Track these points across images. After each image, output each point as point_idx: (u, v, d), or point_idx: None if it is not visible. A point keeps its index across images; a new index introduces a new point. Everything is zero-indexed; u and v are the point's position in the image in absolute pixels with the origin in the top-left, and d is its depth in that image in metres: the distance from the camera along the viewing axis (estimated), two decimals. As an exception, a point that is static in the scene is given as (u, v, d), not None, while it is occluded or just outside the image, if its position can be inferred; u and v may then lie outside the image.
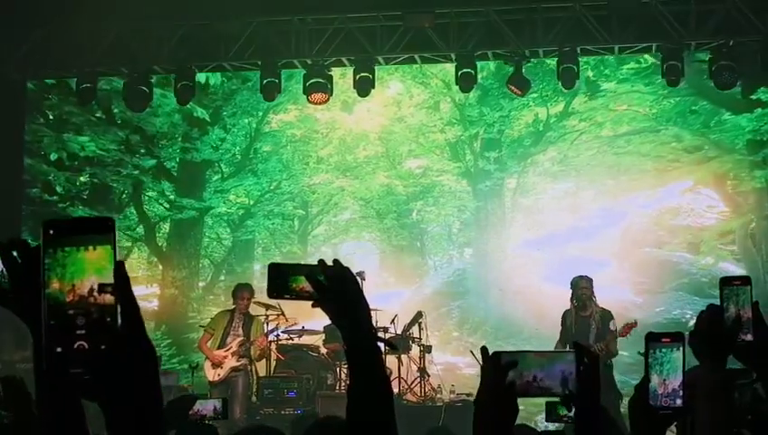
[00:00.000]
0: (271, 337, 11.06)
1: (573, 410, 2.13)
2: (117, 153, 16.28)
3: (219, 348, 10.37)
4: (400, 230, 16.53)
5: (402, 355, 11.07)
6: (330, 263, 2.10)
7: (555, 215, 15.45)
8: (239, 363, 10.31)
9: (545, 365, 2.11)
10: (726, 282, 2.52)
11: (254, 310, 10.62)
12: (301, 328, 11.28)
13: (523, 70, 11.69)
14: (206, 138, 16.46)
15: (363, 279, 10.24)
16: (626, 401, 6.65)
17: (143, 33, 11.58)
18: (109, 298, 1.25)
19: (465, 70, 11.33)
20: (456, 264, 16.39)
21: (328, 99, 11.83)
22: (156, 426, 1.32)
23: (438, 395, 11.06)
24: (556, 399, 2.18)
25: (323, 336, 11.30)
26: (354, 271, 2.12)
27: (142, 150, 16.33)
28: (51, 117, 15.70)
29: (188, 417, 4.68)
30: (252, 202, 16.86)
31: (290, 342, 11.38)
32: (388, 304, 12.09)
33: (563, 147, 15.86)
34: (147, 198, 16.87)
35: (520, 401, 2.18)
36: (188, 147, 16.45)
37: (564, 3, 11.27)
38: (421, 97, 16.40)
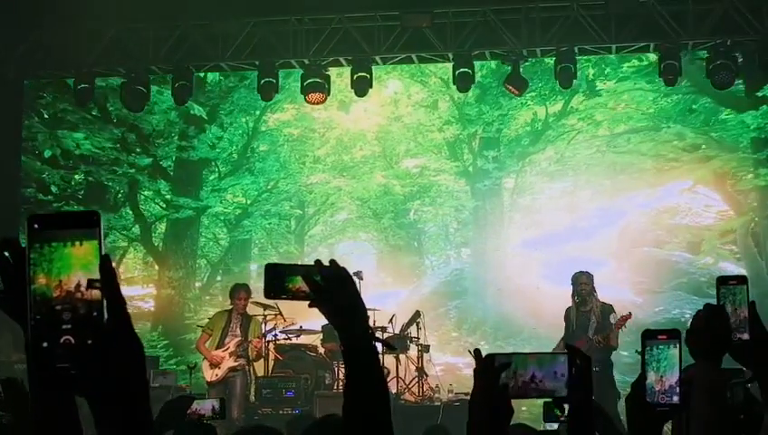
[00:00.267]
0: (269, 337, 11.22)
1: (567, 410, 2.17)
2: (112, 151, 16.32)
3: (217, 348, 10.52)
4: (398, 230, 16.67)
5: (400, 355, 11.22)
6: (326, 263, 2.12)
7: (554, 214, 15.61)
8: (237, 363, 10.47)
9: (544, 365, 2.14)
10: (723, 281, 2.55)
11: (251, 310, 10.77)
12: (299, 328, 11.43)
13: (521, 69, 11.90)
14: (202, 136, 16.54)
15: (361, 279, 10.39)
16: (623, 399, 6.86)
17: (140, 34, 11.78)
18: (96, 294, 1.26)
19: (462, 70, 11.54)
20: (454, 263, 16.55)
21: (325, 99, 12.04)
22: (144, 421, 1.33)
23: (436, 395, 11.23)
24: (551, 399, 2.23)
25: (321, 336, 11.47)
26: (351, 271, 2.18)
27: (138, 149, 16.39)
28: (45, 115, 15.80)
29: (186, 417, 4.66)
30: (249, 202, 16.97)
31: (288, 341, 11.55)
32: (385, 304, 12.22)
33: (562, 146, 16.00)
34: (143, 197, 16.96)
35: (526, 402, 2.39)
36: (185, 145, 16.53)
37: (562, 2, 11.49)
38: (420, 96, 16.55)
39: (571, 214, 15.56)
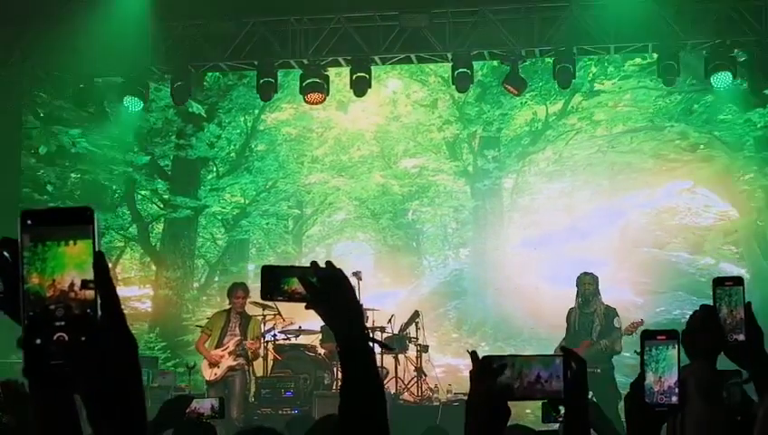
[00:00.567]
0: (268, 337, 11.41)
1: (563, 412, 2.21)
2: (109, 150, 16.37)
3: (216, 348, 10.66)
4: (396, 230, 16.87)
5: (399, 355, 11.41)
6: (323, 264, 2.16)
7: (554, 214, 15.81)
8: (236, 363, 10.60)
9: (545, 368, 2.16)
10: (719, 283, 2.61)
11: (250, 310, 10.90)
12: (298, 328, 11.63)
13: (520, 69, 12.13)
14: (201, 134, 16.64)
15: (360, 279, 10.61)
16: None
17: (139, 34, 11.97)
18: (90, 294, 1.27)
19: (461, 70, 11.76)
20: (453, 264, 16.74)
21: (324, 99, 12.27)
22: (139, 419, 1.35)
23: (435, 395, 11.46)
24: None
25: (320, 336, 11.69)
26: (349, 271, 2.29)
27: (135, 147, 16.48)
28: (41, 114, 15.87)
29: (185, 416, 4.73)
30: (247, 201, 17.13)
31: (287, 341, 11.74)
32: (384, 304, 12.39)
33: (564, 146, 16.18)
34: (140, 196, 17.08)
35: (530, 404, 2.58)
36: (183, 143, 16.63)
37: (560, 2, 11.74)
38: (419, 94, 16.75)
39: (572, 214, 15.75)
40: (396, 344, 11.20)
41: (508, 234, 16.11)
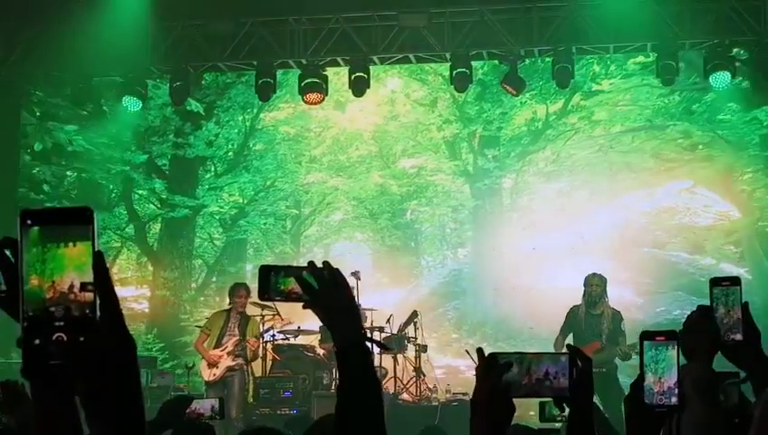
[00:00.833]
0: (267, 337, 11.56)
1: (568, 412, 2.22)
2: (106, 148, 16.43)
3: (215, 348, 10.76)
4: (394, 230, 17.03)
5: (398, 355, 11.57)
6: (320, 264, 2.21)
7: (554, 214, 15.95)
8: (235, 363, 10.71)
9: (557, 363, 2.18)
10: (716, 283, 2.64)
11: (249, 310, 11.01)
12: (296, 328, 11.81)
13: (519, 69, 12.30)
14: (199, 133, 16.72)
15: (358, 279, 10.82)
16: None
17: (138, 34, 12.15)
18: (89, 295, 1.28)
19: (459, 70, 11.92)
20: (451, 264, 16.92)
21: (323, 99, 12.44)
22: (137, 419, 1.36)
23: (434, 395, 11.64)
24: (548, 399, 2.30)
25: (319, 336, 11.89)
26: (348, 271, 2.40)
27: (133, 146, 16.55)
28: (38, 113, 15.93)
29: (185, 416, 4.79)
30: (245, 201, 17.26)
31: (286, 342, 11.91)
32: (382, 304, 12.51)
33: (564, 145, 16.36)
34: (137, 196, 17.18)
35: (534, 406, 2.60)
36: (181, 142, 16.71)
37: (559, 2, 11.93)
38: (419, 93, 16.91)
39: (571, 214, 15.88)
40: (394, 344, 11.36)
41: (508, 233, 16.22)
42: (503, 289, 15.97)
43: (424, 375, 11.77)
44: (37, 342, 1.26)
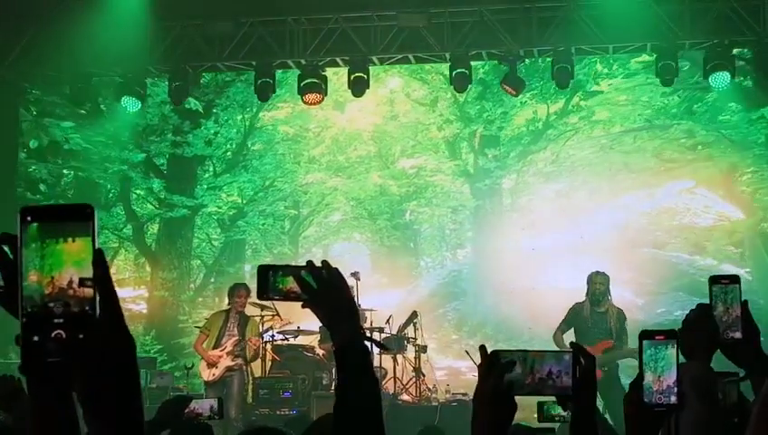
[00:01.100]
0: (266, 337, 11.71)
1: (570, 410, 2.24)
2: (104, 147, 16.48)
3: (214, 348, 10.94)
4: (393, 231, 17.14)
5: (397, 355, 11.71)
6: (319, 264, 2.26)
7: (554, 214, 16.07)
8: (234, 363, 10.90)
9: (555, 363, 2.19)
10: (715, 280, 2.71)
11: (249, 310, 11.19)
12: (296, 328, 11.97)
13: (520, 69, 12.50)
14: (198, 131, 16.82)
15: (358, 280, 11.00)
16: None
17: (137, 34, 12.32)
18: (88, 291, 1.29)
19: (459, 70, 12.11)
20: (451, 265, 17.02)
21: (322, 99, 12.62)
22: (135, 417, 1.37)
23: (434, 395, 11.82)
24: (546, 399, 2.40)
25: (319, 337, 12.04)
26: (347, 272, 2.54)
27: (131, 145, 16.62)
28: (34, 112, 16.01)
29: (184, 416, 4.88)
30: (244, 201, 17.36)
31: (285, 342, 12.07)
32: (381, 305, 12.63)
33: (565, 145, 16.48)
34: (135, 195, 17.27)
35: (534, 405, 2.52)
36: (179, 141, 16.79)
37: (558, 2, 12.11)
38: (419, 93, 17.03)
39: (572, 214, 15.99)
40: (394, 345, 11.50)
41: (508, 234, 16.32)
42: (503, 290, 16.05)
43: (423, 375, 11.90)
44: (36, 338, 1.27)
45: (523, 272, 15.89)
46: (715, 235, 15.77)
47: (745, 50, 12.58)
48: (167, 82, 12.92)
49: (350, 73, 12.38)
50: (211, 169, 17.28)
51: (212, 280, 17.40)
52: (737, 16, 11.76)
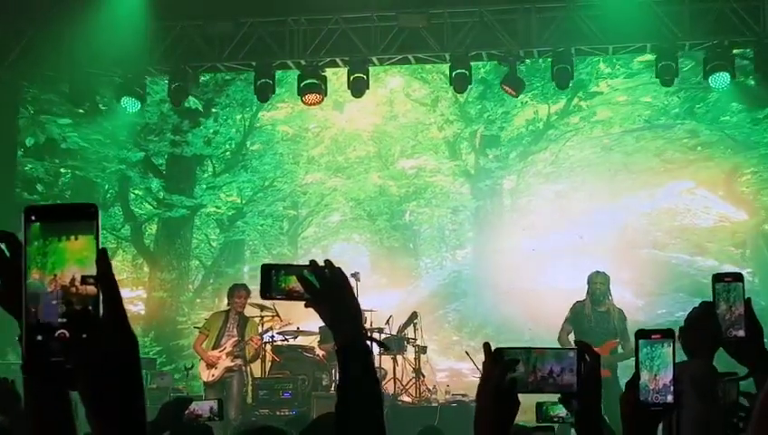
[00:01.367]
0: (266, 338, 11.83)
1: (575, 408, 2.27)
2: (101, 146, 16.55)
3: (214, 349, 11.09)
4: (392, 232, 17.28)
5: (397, 356, 11.87)
6: (321, 263, 2.29)
7: (555, 214, 16.25)
8: (234, 364, 11.05)
9: (559, 361, 2.22)
10: (718, 279, 2.69)
11: (248, 311, 11.35)
12: (296, 329, 12.11)
13: (520, 69, 12.67)
14: (197, 130, 16.92)
15: (358, 280, 11.13)
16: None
17: (137, 34, 12.48)
18: (91, 289, 1.30)
19: (459, 70, 12.28)
20: (450, 266, 17.17)
21: (322, 99, 12.78)
22: (138, 417, 1.38)
23: (434, 396, 11.99)
24: (545, 399, 2.58)
25: (318, 337, 12.21)
26: (348, 272, 2.33)
27: (129, 144, 16.70)
28: (31, 110, 16.07)
29: (184, 418, 4.95)
30: (243, 201, 17.50)
31: (285, 343, 12.20)
32: (380, 306, 12.74)
33: (567, 145, 16.66)
34: (133, 195, 17.39)
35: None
36: (178, 140, 16.89)
37: (558, 3, 12.28)
38: (420, 93, 17.18)
39: (572, 214, 16.15)
40: (394, 346, 11.65)
41: (509, 235, 16.47)
42: (503, 291, 16.18)
43: (423, 376, 12.04)
44: (39, 338, 1.30)
45: (524, 273, 16.02)
46: (718, 235, 15.90)
47: (748, 49, 12.69)
48: (166, 81, 13.04)
49: (349, 74, 12.52)
50: (210, 168, 17.39)
51: (211, 281, 17.53)
52: (737, 17, 11.89)
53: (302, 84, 12.61)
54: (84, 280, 1.30)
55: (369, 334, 9.73)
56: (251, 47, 12.55)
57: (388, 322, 12.09)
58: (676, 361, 2.34)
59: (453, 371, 15.08)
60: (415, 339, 12.21)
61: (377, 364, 10.53)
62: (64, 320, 1.30)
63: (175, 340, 16.48)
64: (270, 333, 11.99)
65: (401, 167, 17.27)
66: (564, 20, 12.22)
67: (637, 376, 2.29)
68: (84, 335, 1.29)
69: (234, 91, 16.87)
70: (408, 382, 12.08)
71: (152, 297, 17.04)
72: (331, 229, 17.86)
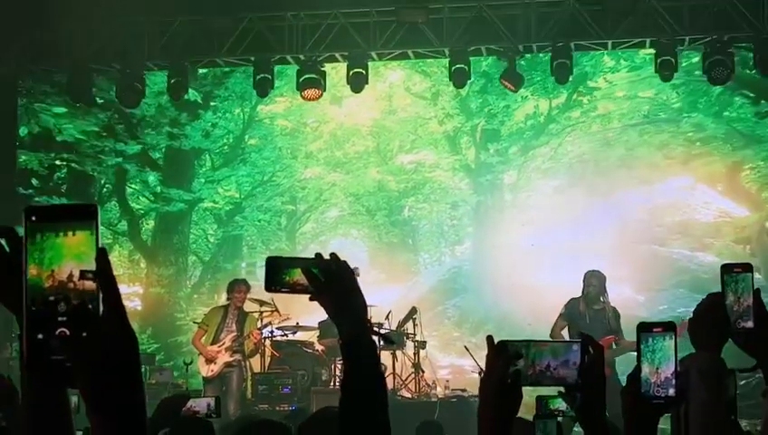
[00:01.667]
0: (265, 333, 12.04)
1: (578, 401, 2.28)
2: (97, 139, 16.63)
3: (213, 344, 11.26)
4: (391, 227, 17.58)
5: (397, 351, 12.01)
6: (326, 257, 2.27)
7: (555, 210, 16.53)
8: (233, 359, 11.24)
9: (559, 354, 2.24)
10: (727, 269, 2.65)
11: (247, 306, 11.56)
12: (295, 324, 12.34)
13: (520, 64, 12.91)
14: (195, 123, 17.01)
15: (358, 275, 11.36)
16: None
17: (136, 29, 12.73)
18: (89, 285, 1.31)
19: (458, 65, 12.54)
20: (449, 261, 17.50)
21: (321, 95, 13.04)
22: (139, 415, 1.39)
23: (433, 391, 12.21)
24: (546, 393, 2.60)
25: (318, 332, 12.44)
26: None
27: (126, 136, 16.78)
28: (24, 100, 15.79)
29: (181, 414, 5.00)
30: (242, 196, 17.72)
31: (284, 338, 12.44)
32: (379, 301, 12.70)
33: (567, 139, 16.98)
34: (130, 189, 17.57)
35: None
36: (176, 133, 16.99)
37: (557, -2, 12.53)
38: (420, 87, 17.42)
39: (573, 210, 16.42)
40: (395, 340, 11.77)
41: (508, 230, 16.73)
42: (503, 286, 16.38)
43: (423, 371, 12.24)
44: (40, 336, 1.31)
45: (524, 268, 16.26)
46: (720, 231, 16.19)
47: (751, 44, 12.90)
48: (165, 73, 13.22)
49: (348, 69, 12.74)
50: (209, 162, 17.57)
51: (209, 277, 17.72)
52: (736, 12, 12.12)
53: (301, 79, 12.82)
54: (83, 275, 1.32)
55: (374, 328, 9.82)
56: (250, 42, 12.73)
57: (387, 317, 12.25)
58: (684, 354, 2.41)
59: (454, 367, 15.29)
60: (414, 334, 12.39)
61: (377, 359, 10.77)
62: (64, 318, 1.31)
63: (173, 336, 16.66)
64: (269, 329, 12.15)
65: (400, 162, 17.49)
66: (563, 15, 12.44)
67: (638, 369, 2.31)
68: (84, 333, 1.31)
69: (233, 83, 16.98)
70: (407, 377, 12.24)
71: (149, 293, 17.20)
72: (330, 225, 18.10)
